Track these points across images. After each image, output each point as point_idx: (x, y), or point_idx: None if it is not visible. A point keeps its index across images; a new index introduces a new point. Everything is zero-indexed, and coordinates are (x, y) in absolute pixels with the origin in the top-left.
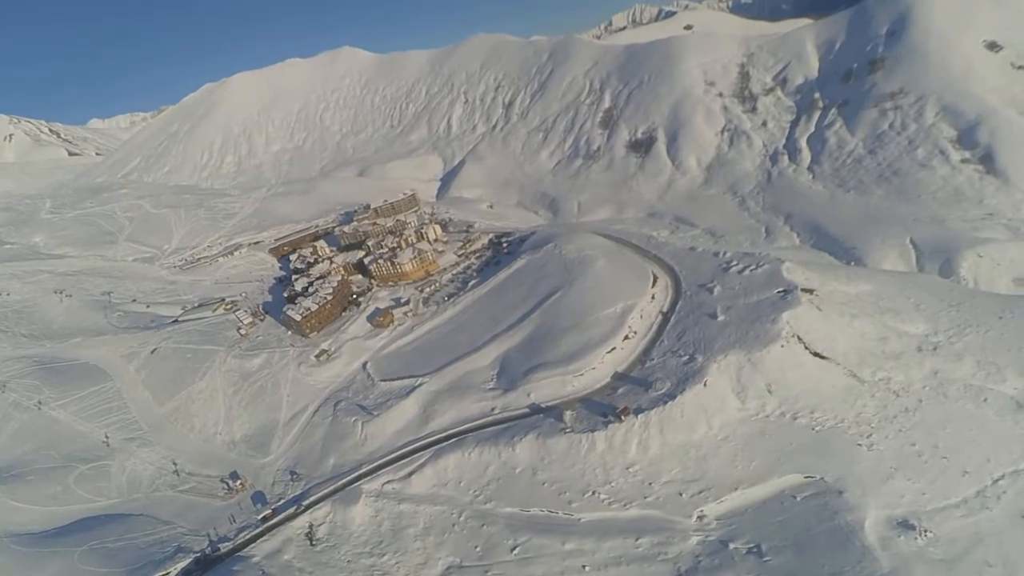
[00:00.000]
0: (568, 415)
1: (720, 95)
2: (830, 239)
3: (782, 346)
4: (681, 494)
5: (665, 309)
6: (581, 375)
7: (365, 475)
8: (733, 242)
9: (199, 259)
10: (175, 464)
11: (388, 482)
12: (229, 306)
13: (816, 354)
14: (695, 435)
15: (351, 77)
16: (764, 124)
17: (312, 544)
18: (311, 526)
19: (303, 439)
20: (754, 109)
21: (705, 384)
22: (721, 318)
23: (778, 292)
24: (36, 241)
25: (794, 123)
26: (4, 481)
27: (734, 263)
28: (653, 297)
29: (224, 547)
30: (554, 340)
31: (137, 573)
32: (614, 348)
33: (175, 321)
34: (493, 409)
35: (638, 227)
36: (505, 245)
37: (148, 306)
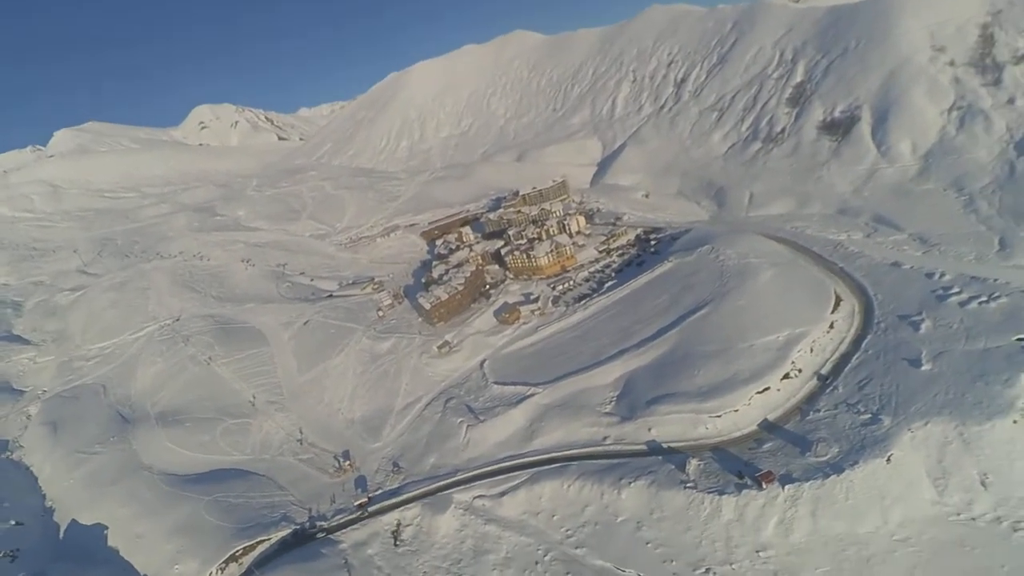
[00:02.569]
0: (693, 465)
1: (951, 63)
2: None
3: (1015, 422)
4: None
5: (847, 344)
6: (719, 416)
7: (459, 483)
8: (951, 254)
9: (361, 238)
10: (301, 433)
11: (479, 496)
12: (376, 286)
13: None
14: (861, 527)
15: (520, 60)
16: (1010, 101)
17: (396, 544)
18: (399, 525)
19: (411, 431)
20: (997, 82)
21: (889, 459)
22: (926, 367)
23: (1018, 340)
24: (240, 215)
25: None
26: (168, 424)
27: (955, 290)
28: (832, 326)
29: (320, 525)
30: (692, 366)
31: (245, 532)
32: (768, 388)
33: (330, 296)
34: (605, 439)
35: (823, 227)
36: (653, 243)
37: (312, 279)
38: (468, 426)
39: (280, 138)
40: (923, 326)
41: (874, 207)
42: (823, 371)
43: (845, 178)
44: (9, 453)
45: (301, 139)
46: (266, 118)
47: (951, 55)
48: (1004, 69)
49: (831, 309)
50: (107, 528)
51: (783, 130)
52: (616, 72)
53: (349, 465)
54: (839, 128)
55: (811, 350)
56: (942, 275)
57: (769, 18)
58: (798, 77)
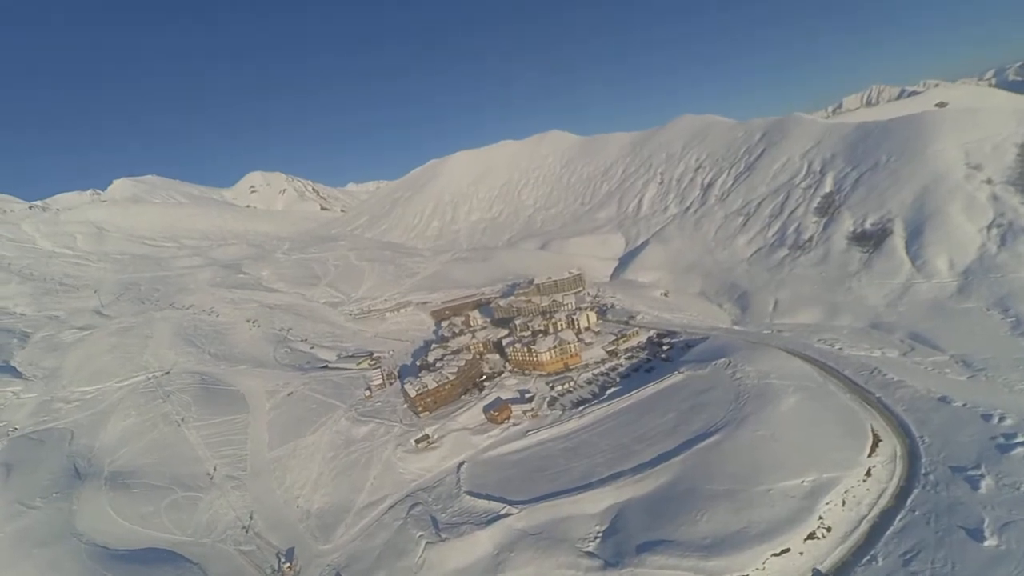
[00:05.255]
0: None
1: (988, 181)
2: None
3: None
4: None
5: (888, 498)
6: None
7: None
8: (1000, 381)
9: (371, 311)
10: (250, 518)
11: None
12: (373, 362)
13: None
14: None
15: (554, 157)
16: None
17: None
18: None
19: (365, 537)
20: None
21: None
22: (990, 542)
23: None
24: (263, 275)
25: None
26: (116, 487)
27: (1020, 439)
28: (869, 473)
29: None
30: (695, 508)
31: None
32: (788, 550)
33: (325, 366)
34: None
35: (854, 342)
36: (665, 348)
37: (312, 347)
38: (427, 543)
39: (323, 208)
40: (983, 484)
41: (910, 324)
42: (822, 565)
43: (878, 291)
44: None
45: (343, 211)
46: (313, 189)
47: (988, 173)
48: None
49: (868, 451)
50: None
51: (811, 238)
52: (645, 173)
53: (288, 568)
54: (870, 240)
55: (843, 503)
56: (1002, 418)
57: (798, 131)
58: (827, 188)
